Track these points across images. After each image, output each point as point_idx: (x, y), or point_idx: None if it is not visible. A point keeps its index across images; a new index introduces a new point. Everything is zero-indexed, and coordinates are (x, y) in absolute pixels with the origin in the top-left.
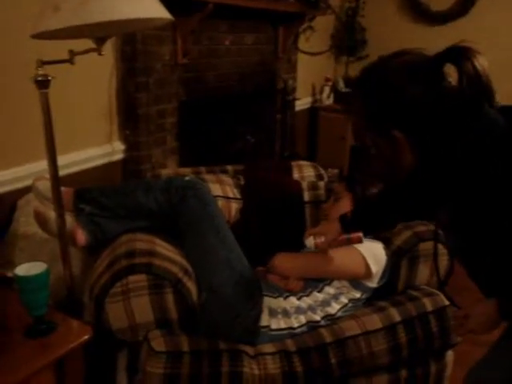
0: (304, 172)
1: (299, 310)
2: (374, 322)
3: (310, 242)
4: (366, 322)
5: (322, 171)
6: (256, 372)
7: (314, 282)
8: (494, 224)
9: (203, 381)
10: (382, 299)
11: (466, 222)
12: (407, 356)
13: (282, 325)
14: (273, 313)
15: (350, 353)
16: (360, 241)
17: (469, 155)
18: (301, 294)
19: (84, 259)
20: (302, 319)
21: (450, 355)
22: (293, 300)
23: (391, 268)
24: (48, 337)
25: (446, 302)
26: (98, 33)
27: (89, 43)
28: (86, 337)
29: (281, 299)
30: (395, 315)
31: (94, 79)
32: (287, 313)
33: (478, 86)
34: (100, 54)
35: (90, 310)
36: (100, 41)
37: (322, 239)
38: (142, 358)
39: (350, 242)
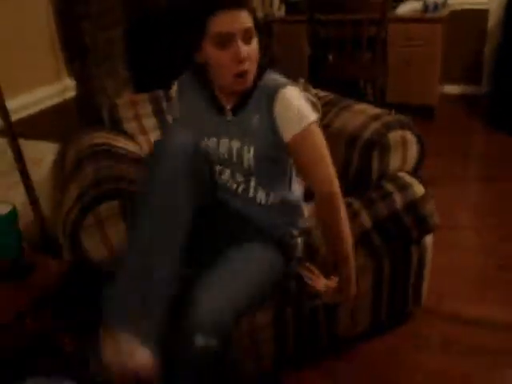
0: None
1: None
2: None
3: None
4: None
5: None
6: None
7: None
8: None
9: None
10: (355, 196)
11: None
12: (386, 252)
13: None
14: None
15: None
16: None
17: None
18: None
19: (53, 197)
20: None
21: (428, 238)
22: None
23: (363, 161)
24: (28, 277)
25: (419, 193)
26: None
27: None
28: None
29: None
30: (367, 221)
31: (28, 14)
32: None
33: None
34: None
35: (67, 247)
36: None
37: None
38: None
39: None
